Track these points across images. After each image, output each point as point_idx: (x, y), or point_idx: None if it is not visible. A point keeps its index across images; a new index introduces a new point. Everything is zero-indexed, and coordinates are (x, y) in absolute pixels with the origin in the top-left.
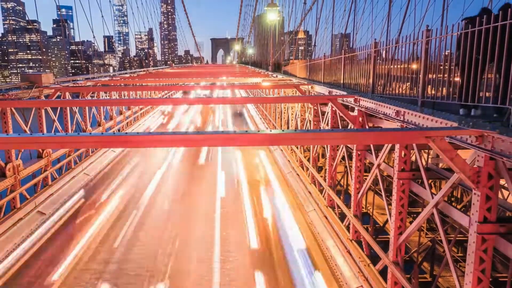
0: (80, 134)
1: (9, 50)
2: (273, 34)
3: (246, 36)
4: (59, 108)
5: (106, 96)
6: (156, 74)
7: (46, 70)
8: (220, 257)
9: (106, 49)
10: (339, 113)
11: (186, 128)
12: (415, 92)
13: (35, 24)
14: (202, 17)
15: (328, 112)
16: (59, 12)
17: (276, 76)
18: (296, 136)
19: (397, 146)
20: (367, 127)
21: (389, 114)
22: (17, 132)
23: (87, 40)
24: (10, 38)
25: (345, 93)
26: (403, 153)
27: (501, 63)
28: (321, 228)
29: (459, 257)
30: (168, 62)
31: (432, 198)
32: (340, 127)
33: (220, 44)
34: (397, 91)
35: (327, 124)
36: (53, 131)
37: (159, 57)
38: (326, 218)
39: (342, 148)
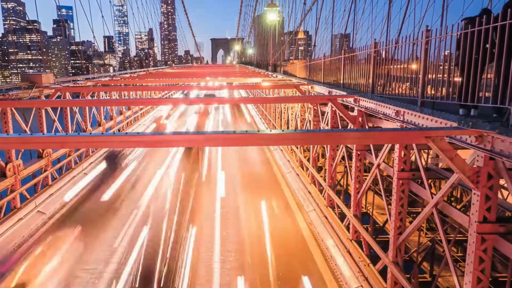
0: (80, 134)
1: (10, 50)
2: (273, 34)
3: (246, 36)
4: (59, 108)
5: (106, 96)
6: (156, 74)
7: (47, 70)
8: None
9: (106, 49)
10: (339, 113)
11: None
12: (414, 92)
13: (35, 24)
14: (202, 17)
15: (328, 112)
16: (59, 12)
17: (276, 76)
18: (296, 136)
19: (396, 146)
20: (367, 127)
21: (389, 114)
22: (17, 132)
23: (87, 40)
24: (11, 38)
25: (345, 93)
26: (402, 153)
27: (500, 61)
28: (321, 228)
29: (459, 257)
30: (168, 62)
31: (432, 198)
32: (340, 127)
33: (220, 44)
34: (396, 91)
35: (327, 124)
36: (53, 131)
37: (159, 57)
38: (326, 218)
39: (342, 148)
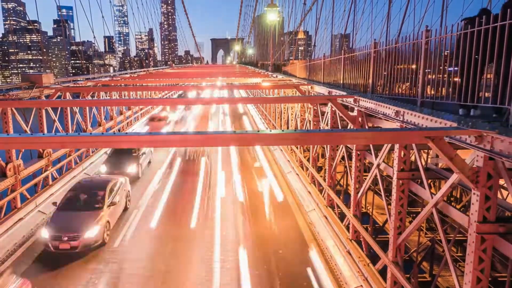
0: (81, 134)
1: (10, 50)
2: (273, 34)
3: (246, 36)
4: (59, 108)
5: (106, 96)
6: (156, 74)
7: (47, 70)
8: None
9: (107, 50)
10: (338, 113)
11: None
12: (414, 92)
13: (35, 24)
14: (202, 17)
15: (327, 112)
16: (59, 13)
17: (276, 76)
18: (296, 136)
19: (396, 146)
20: (366, 127)
21: (389, 114)
22: (18, 132)
23: (87, 41)
24: (11, 39)
25: (344, 93)
26: (402, 153)
27: (500, 61)
28: (321, 228)
29: (459, 257)
30: (168, 62)
31: (432, 198)
32: (340, 127)
33: (220, 45)
34: (396, 91)
35: (327, 124)
36: (53, 131)
37: (159, 57)
38: (326, 218)
39: (342, 148)
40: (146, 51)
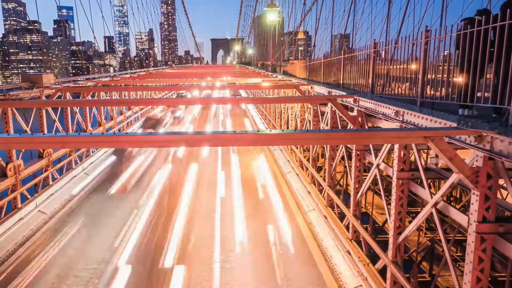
0: (81, 134)
1: (10, 50)
2: (273, 34)
3: (246, 36)
4: (59, 108)
5: (106, 96)
6: (156, 74)
7: (47, 71)
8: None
9: (107, 50)
10: (338, 113)
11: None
12: (414, 92)
13: (36, 24)
14: (202, 17)
15: (327, 112)
16: (59, 13)
17: (276, 76)
18: (296, 136)
19: (396, 146)
20: (366, 127)
21: (388, 114)
22: (18, 132)
23: (87, 41)
24: (11, 39)
25: (344, 93)
26: (402, 153)
27: (499, 61)
28: (321, 227)
29: (458, 257)
30: (169, 63)
31: (431, 198)
32: (340, 127)
33: (220, 45)
34: (396, 91)
35: (327, 124)
36: (53, 131)
37: (159, 58)
38: (326, 218)
39: (342, 148)
40: (146, 51)
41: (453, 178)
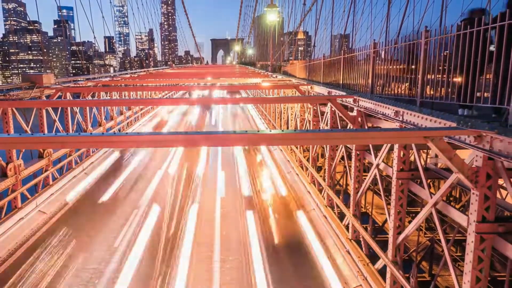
0: (81, 134)
1: (11, 50)
2: (272, 34)
3: (246, 36)
4: (60, 108)
5: (106, 96)
6: (156, 74)
7: (47, 71)
8: None
9: (107, 50)
10: (338, 113)
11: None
12: (414, 92)
13: (36, 24)
14: (202, 17)
15: (327, 112)
16: (60, 13)
17: (276, 76)
18: (296, 136)
19: (396, 146)
20: (366, 127)
21: (388, 114)
22: (18, 132)
23: (87, 41)
24: (12, 39)
25: (344, 93)
26: (402, 153)
27: (499, 61)
28: (321, 227)
29: (458, 257)
30: (169, 63)
31: (431, 197)
32: (339, 127)
33: (220, 45)
34: (396, 92)
35: (327, 124)
36: (54, 131)
37: (159, 58)
38: (326, 217)
39: (341, 148)
40: (146, 51)
41: (453, 178)
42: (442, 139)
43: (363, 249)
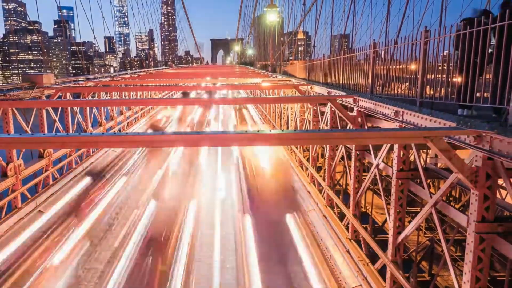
0: (81, 134)
1: (11, 50)
2: (272, 34)
3: (246, 37)
4: (60, 108)
5: (107, 96)
6: (156, 74)
7: (47, 71)
8: None
9: (107, 50)
10: (338, 113)
11: None
12: (413, 92)
13: (36, 25)
14: (202, 18)
15: (327, 113)
16: (60, 13)
17: (276, 76)
18: (296, 136)
19: (395, 146)
20: (366, 127)
21: (388, 114)
22: (19, 132)
23: (88, 41)
24: (12, 39)
25: (344, 93)
26: (401, 153)
27: (499, 61)
28: (320, 227)
29: (458, 256)
30: (169, 63)
31: (431, 197)
32: (339, 127)
33: (220, 45)
34: (395, 92)
35: (326, 124)
36: (54, 131)
37: (159, 58)
38: (325, 217)
39: (341, 148)
40: (146, 51)
41: (453, 178)
42: (442, 139)
43: (363, 249)
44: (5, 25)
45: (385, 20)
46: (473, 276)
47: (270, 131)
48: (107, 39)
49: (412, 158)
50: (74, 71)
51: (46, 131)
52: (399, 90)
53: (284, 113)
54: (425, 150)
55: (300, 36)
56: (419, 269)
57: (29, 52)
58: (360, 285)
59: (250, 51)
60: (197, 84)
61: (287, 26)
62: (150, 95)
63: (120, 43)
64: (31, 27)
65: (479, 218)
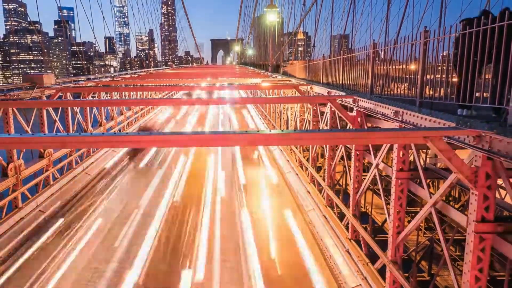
0: (81, 134)
1: (11, 51)
2: (272, 35)
3: (246, 37)
4: (60, 108)
5: (107, 96)
6: (156, 74)
7: (48, 71)
8: None
9: (107, 50)
10: (338, 114)
11: None
12: (413, 92)
13: (36, 25)
14: (202, 18)
15: (327, 113)
16: (60, 13)
17: (276, 76)
18: (295, 136)
19: (395, 146)
20: (365, 127)
21: (388, 114)
22: (19, 132)
23: (88, 41)
24: (12, 39)
25: (344, 93)
26: (401, 153)
27: (498, 62)
28: (320, 227)
29: (457, 256)
30: (169, 63)
31: (430, 197)
32: (339, 127)
33: (220, 45)
34: (395, 92)
35: (326, 124)
36: (54, 131)
37: (159, 58)
38: (325, 217)
39: (341, 148)
40: (146, 51)
41: (452, 178)
42: (441, 139)
43: (363, 248)
44: (6, 25)
45: (384, 20)
46: (473, 276)
47: (270, 131)
48: (107, 39)
49: (411, 158)
50: (74, 71)
51: (46, 131)
52: (399, 90)
53: (284, 113)
54: (424, 150)
55: (300, 36)
56: (419, 269)
57: (30, 52)
58: (360, 284)
59: (250, 51)
60: (197, 85)
61: (287, 26)
62: (150, 95)
63: (120, 43)
64: (31, 27)
65: (478, 218)
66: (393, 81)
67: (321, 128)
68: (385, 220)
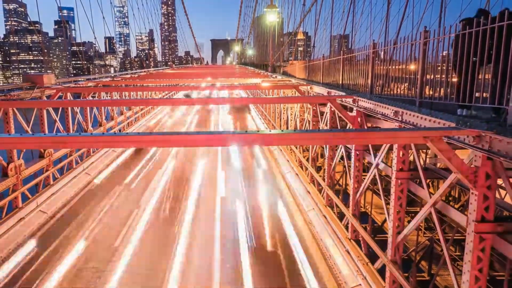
0: (82, 134)
1: (11, 51)
2: (272, 35)
3: (246, 37)
4: (60, 108)
5: (107, 96)
6: (156, 74)
7: (48, 71)
8: None
9: (107, 50)
10: (338, 114)
11: None
12: (413, 92)
13: (36, 25)
14: (202, 18)
15: (327, 113)
16: (60, 13)
17: (276, 76)
18: (295, 136)
19: (395, 146)
20: (365, 127)
21: (388, 114)
22: (19, 132)
23: (88, 41)
24: (12, 39)
25: (343, 93)
26: (401, 153)
27: (498, 61)
28: (320, 227)
29: (457, 256)
30: (169, 63)
31: (430, 197)
32: (339, 127)
33: (220, 45)
34: (395, 92)
35: (326, 124)
36: (54, 131)
37: (159, 58)
38: (325, 217)
39: (341, 148)
40: (146, 51)
41: (452, 178)
42: (441, 139)
43: (363, 248)
44: (6, 25)
45: (384, 20)
46: (473, 275)
47: (270, 131)
48: (107, 40)
49: (411, 158)
50: (74, 71)
51: (46, 131)
52: (399, 90)
53: (284, 113)
54: (424, 150)
55: (300, 36)
56: (419, 269)
57: (30, 52)
58: (360, 284)
59: (250, 52)
60: (197, 85)
61: (287, 27)
62: (150, 95)
63: (120, 43)
64: (31, 28)
65: (478, 218)
66: (393, 81)
67: (321, 128)
68: (385, 220)
